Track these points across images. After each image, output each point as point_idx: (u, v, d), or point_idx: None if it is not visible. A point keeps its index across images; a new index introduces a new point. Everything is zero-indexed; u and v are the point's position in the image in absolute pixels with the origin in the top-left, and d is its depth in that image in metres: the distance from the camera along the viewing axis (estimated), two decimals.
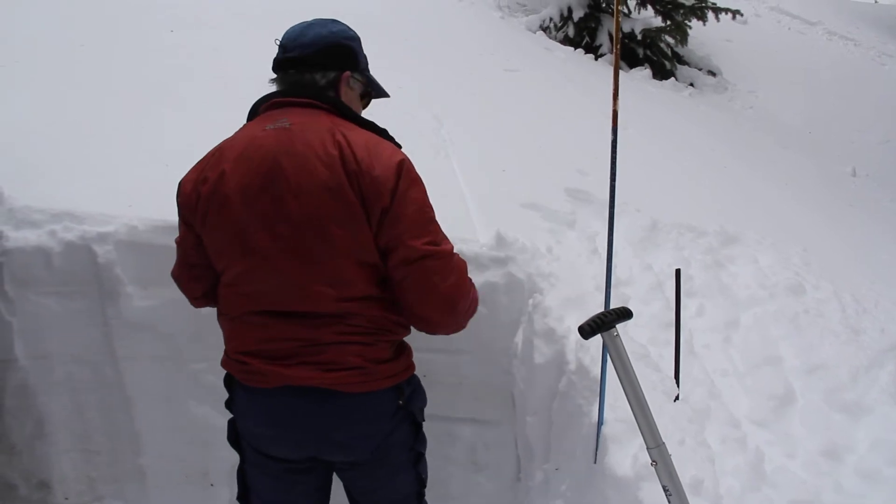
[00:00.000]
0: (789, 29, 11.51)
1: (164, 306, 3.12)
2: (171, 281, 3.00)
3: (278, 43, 2.25)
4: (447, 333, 2.34)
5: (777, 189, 5.42)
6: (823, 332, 3.42)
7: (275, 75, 2.29)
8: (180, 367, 3.19)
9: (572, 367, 2.81)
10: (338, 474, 2.48)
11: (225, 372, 2.38)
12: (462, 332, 3.05)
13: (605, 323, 2.06)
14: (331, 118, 2.16)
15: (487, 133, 4.58)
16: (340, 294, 2.12)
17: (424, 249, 2.11)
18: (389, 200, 2.06)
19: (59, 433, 3.27)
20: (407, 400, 2.33)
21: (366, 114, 2.39)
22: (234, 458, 3.31)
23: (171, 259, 2.65)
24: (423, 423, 2.45)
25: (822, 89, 8.86)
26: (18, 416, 3.21)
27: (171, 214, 3.09)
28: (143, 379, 3.23)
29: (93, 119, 3.86)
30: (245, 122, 2.32)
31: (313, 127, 2.12)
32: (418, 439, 2.44)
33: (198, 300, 2.44)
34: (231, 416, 2.42)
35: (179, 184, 2.24)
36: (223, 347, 2.83)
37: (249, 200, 2.10)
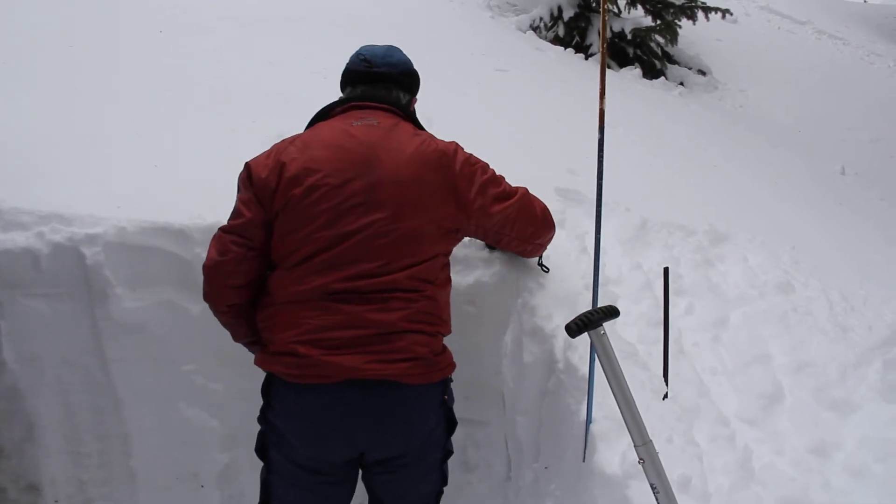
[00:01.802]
0: (779, 28, 11.55)
1: (154, 308, 3.12)
2: (161, 282, 3.01)
3: (362, 58, 2.61)
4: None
5: (767, 187, 5.43)
6: (812, 330, 3.43)
7: (346, 84, 2.66)
8: (171, 369, 3.19)
9: (561, 365, 2.82)
10: (369, 478, 2.50)
11: (263, 376, 2.43)
12: (452, 332, 3.11)
13: (591, 321, 2.07)
14: (409, 125, 2.57)
15: (478, 133, 4.54)
16: (417, 273, 2.37)
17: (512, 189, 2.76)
18: (465, 184, 2.50)
19: (48, 436, 3.26)
20: (450, 395, 2.51)
21: None
22: (225, 459, 3.34)
23: (160, 260, 2.67)
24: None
25: (811, 88, 8.89)
26: (7, 420, 3.20)
27: (161, 216, 3.12)
28: (133, 381, 3.21)
29: (82, 121, 3.85)
30: (310, 122, 2.60)
31: (400, 128, 2.49)
32: (449, 438, 2.56)
33: (235, 289, 2.46)
34: (261, 426, 2.44)
35: (248, 168, 2.43)
36: (213, 348, 2.83)
37: (342, 185, 2.33)
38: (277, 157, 2.39)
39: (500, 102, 5.31)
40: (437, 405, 2.44)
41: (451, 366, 2.51)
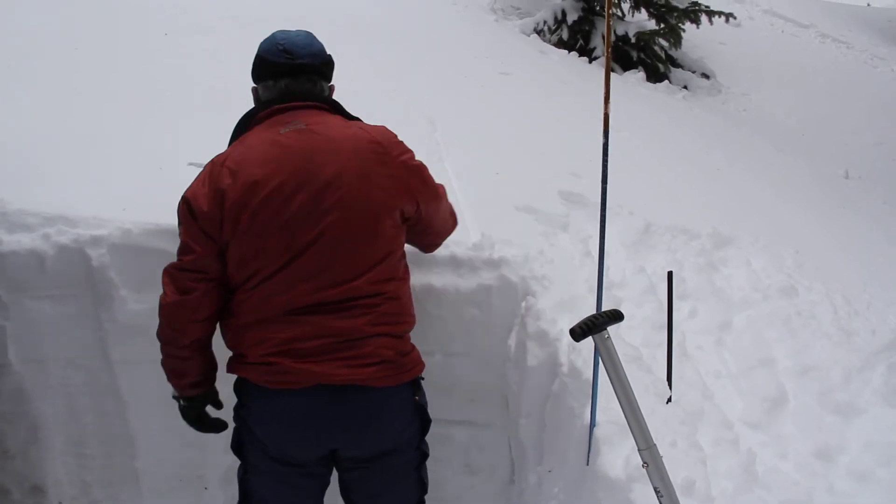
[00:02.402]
0: (782, 32, 11.56)
1: (157, 309, 3.12)
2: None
3: (281, 48, 2.44)
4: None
5: (770, 191, 5.44)
6: (816, 333, 3.44)
7: (264, 77, 2.49)
8: None
9: (565, 369, 2.82)
10: (344, 476, 2.52)
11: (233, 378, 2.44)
12: (456, 335, 3.12)
13: (596, 325, 2.07)
14: (338, 118, 2.45)
15: (481, 136, 4.59)
16: (376, 276, 2.34)
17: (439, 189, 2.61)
18: (405, 171, 2.43)
19: (53, 437, 3.26)
20: (421, 395, 2.51)
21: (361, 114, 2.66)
22: (228, 461, 3.33)
23: (165, 262, 2.65)
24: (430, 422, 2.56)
25: (815, 92, 8.89)
26: (12, 421, 3.21)
27: (165, 217, 3.12)
28: (137, 382, 3.21)
29: (87, 123, 3.86)
30: (234, 132, 2.47)
31: (331, 124, 2.38)
32: (423, 439, 2.55)
33: (201, 323, 2.43)
34: (235, 423, 2.47)
35: (187, 201, 2.33)
36: (217, 351, 2.83)
37: (287, 199, 2.25)
38: (214, 185, 2.29)
39: (502, 105, 5.32)
40: (409, 405, 2.45)
41: (420, 365, 2.51)
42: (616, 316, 2.11)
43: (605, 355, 2.07)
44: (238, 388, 2.44)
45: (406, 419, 2.46)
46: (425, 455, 2.58)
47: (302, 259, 2.27)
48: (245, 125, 2.45)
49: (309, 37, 2.53)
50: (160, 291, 3.08)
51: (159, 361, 3.18)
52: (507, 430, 3.30)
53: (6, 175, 3.23)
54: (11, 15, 4.97)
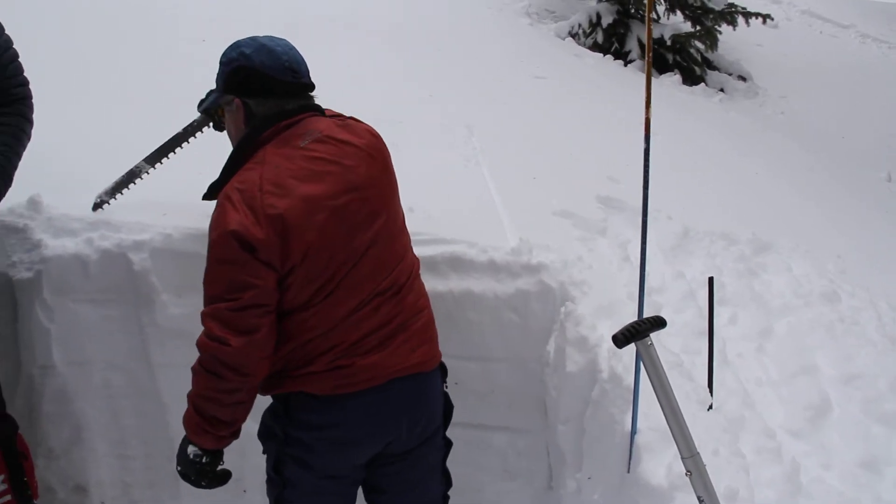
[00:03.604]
0: (821, 33, 11.38)
1: (199, 314, 3.15)
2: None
3: (286, 65, 2.29)
4: None
5: (810, 195, 5.37)
6: (860, 341, 3.38)
7: (268, 94, 2.31)
8: None
9: (605, 375, 2.80)
10: (376, 473, 2.49)
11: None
12: (494, 340, 3.12)
13: (639, 332, 2.05)
14: (327, 119, 2.36)
15: (518, 141, 4.59)
16: (408, 260, 2.42)
17: None
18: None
19: (95, 438, 3.31)
20: (446, 380, 2.55)
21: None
22: None
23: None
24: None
25: (855, 93, 8.74)
26: (56, 422, 3.25)
27: (205, 222, 3.12)
28: (177, 385, 3.20)
29: (129, 129, 3.91)
30: (238, 156, 2.32)
31: (334, 126, 2.31)
32: (447, 424, 2.57)
33: (268, 359, 2.27)
34: (272, 445, 2.41)
35: (238, 235, 2.10)
36: None
37: (343, 208, 2.21)
38: (262, 211, 2.12)
39: (538, 109, 5.31)
40: (441, 390, 2.50)
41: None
42: (659, 322, 2.10)
43: (648, 362, 2.06)
44: (284, 405, 2.35)
45: (441, 404, 2.50)
46: (450, 445, 2.60)
47: (364, 260, 2.26)
48: (249, 147, 2.30)
49: (296, 49, 2.39)
50: (201, 296, 3.12)
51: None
52: (546, 435, 3.29)
53: (51, 180, 3.27)
54: (60, 25, 5.04)
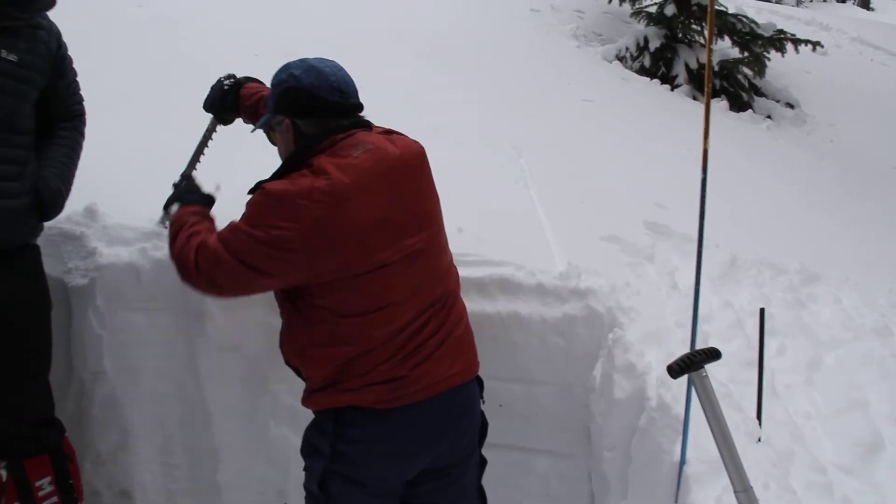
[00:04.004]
0: (871, 60, 11.23)
1: (247, 327, 3.18)
2: (255, 303, 3.05)
3: (334, 86, 2.34)
4: None
5: (859, 227, 5.29)
6: None
7: (316, 114, 2.36)
8: (261, 388, 3.24)
9: (653, 403, 2.78)
10: (417, 490, 2.48)
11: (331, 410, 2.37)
12: (540, 363, 3.11)
13: (693, 363, 2.04)
14: (374, 134, 2.38)
15: (565, 164, 4.59)
16: (455, 270, 2.50)
17: None
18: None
19: (141, 445, 3.34)
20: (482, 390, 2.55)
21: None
22: None
23: None
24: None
25: None
26: (105, 427, 3.30)
27: None
28: (224, 397, 3.27)
29: (183, 140, 3.96)
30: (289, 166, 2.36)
31: (383, 139, 2.34)
32: (482, 443, 2.57)
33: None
34: (317, 462, 2.39)
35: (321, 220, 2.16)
36: None
37: (387, 220, 2.24)
38: (306, 215, 2.18)
39: (586, 132, 5.31)
40: (479, 400, 2.51)
41: None
42: (714, 354, 2.09)
43: (703, 394, 2.04)
44: (334, 420, 2.35)
45: (479, 417, 2.50)
46: (485, 463, 2.60)
47: (417, 271, 2.30)
48: (301, 160, 2.33)
49: (345, 70, 2.44)
50: (249, 310, 3.14)
51: (245, 378, 3.27)
52: (588, 461, 3.26)
53: (106, 190, 3.33)
54: (114, 39, 5.14)
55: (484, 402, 2.54)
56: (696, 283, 2.52)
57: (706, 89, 2.44)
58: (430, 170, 2.42)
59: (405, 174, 2.30)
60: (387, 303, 2.24)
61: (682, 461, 2.52)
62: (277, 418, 3.30)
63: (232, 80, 3.04)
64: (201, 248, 2.30)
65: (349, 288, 2.22)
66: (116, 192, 3.37)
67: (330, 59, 2.44)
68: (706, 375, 2.06)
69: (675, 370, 2.03)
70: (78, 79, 2.90)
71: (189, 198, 2.66)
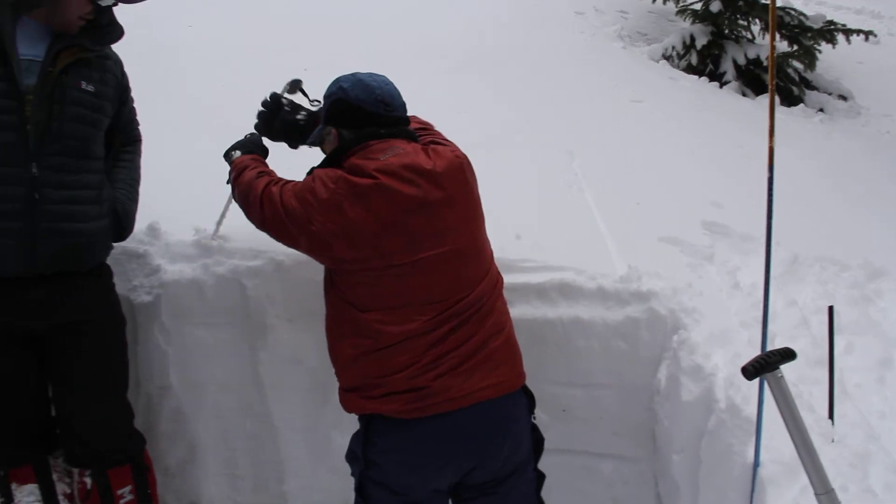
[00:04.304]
0: None
1: (310, 339, 3.20)
2: (317, 315, 3.06)
3: (379, 99, 2.47)
4: None
5: None
6: None
7: (360, 124, 2.49)
8: (324, 399, 3.26)
9: (722, 405, 2.74)
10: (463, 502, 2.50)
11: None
12: (602, 367, 3.09)
13: (768, 364, 2.01)
14: (413, 143, 2.49)
15: (618, 166, 4.55)
16: (494, 279, 2.50)
17: None
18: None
19: (208, 458, 3.39)
20: (532, 406, 2.53)
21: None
22: None
23: (317, 293, 2.75)
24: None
25: None
26: (172, 440, 3.35)
27: None
28: (288, 409, 3.31)
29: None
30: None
31: (419, 148, 2.45)
32: (538, 457, 2.54)
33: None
34: (358, 466, 2.47)
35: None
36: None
37: (401, 222, 2.32)
38: (330, 199, 2.38)
39: (637, 133, 5.25)
40: (527, 415, 2.48)
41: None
42: (789, 354, 2.05)
43: (779, 395, 2.01)
44: (365, 429, 2.45)
45: (528, 432, 2.47)
46: (542, 477, 2.57)
47: (434, 275, 2.35)
48: (336, 158, 2.48)
49: (393, 84, 2.56)
50: (311, 322, 3.17)
51: (309, 389, 3.29)
52: (654, 465, 3.23)
53: (169, 207, 3.38)
54: (171, 54, 5.23)
55: (535, 416, 2.52)
56: (766, 283, 2.48)
57: (769, 87, 2.40)
58: (472, 182, 2.48)
59: (433, 182, 2.36)
60: (402, 303, 2.33)
61: (756, 463, 2.48)
62: (340, 429, 3.31)
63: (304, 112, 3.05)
64: (268, 187, 2.50)
65: (366, 282, 2.36)
66: (177, 210, 3.42)
67: (380, 73, 2.55)
68: (782, 376, 2.02)
69: (750, 372, 2.00)
70: (134, 104, 3.00)
71: (249, 147, 2.85)
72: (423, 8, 6.95)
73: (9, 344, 2.61)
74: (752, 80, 7.78)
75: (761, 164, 4.83)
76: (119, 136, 2.91)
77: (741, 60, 7.77)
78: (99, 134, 2.72)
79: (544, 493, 2.63)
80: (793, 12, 7.94)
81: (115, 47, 2.80)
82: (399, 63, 5.60)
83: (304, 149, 3.00)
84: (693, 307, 3.14)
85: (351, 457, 2.50)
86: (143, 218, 3.10)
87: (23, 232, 2.50)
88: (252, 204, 2.53)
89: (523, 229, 3.24)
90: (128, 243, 3.21)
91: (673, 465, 2.97)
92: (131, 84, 2.93)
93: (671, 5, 8.44)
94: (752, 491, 2.49)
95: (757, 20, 8.09)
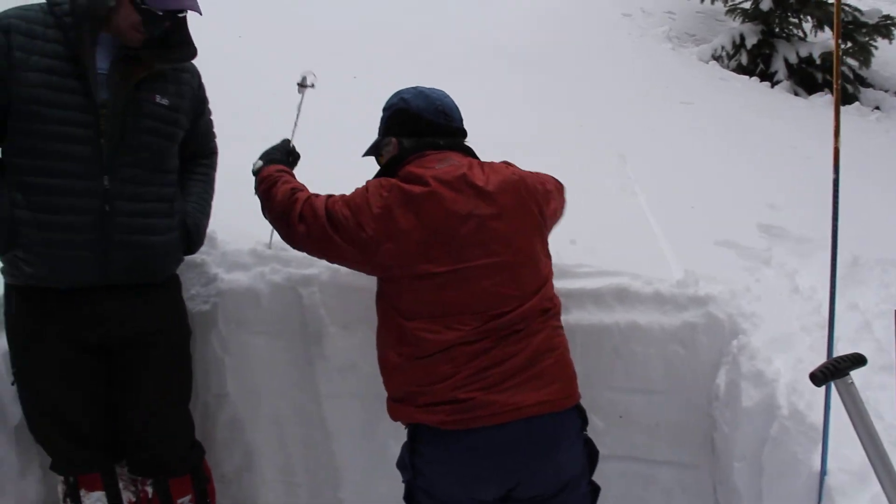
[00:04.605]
0: None
1: (365, 346, 3.19)
2: (371, 321, 3.07)
3: (440, 109, 2.59)
4: None
5: None
6: None
7: (421, 133, 2.58)
8: (380, 406, 3.19)
9: (785, 412, 2.68)
10: None
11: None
12: (660, 373, 3.05)
13: (838, 370, 1.96)
14: (470, 158, 2.57)
15: (671, 168, 4.51)
16: (549, 299, 2.47)
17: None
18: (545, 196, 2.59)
19: (264, 465, 3.41)
20: (585, 423, 2.49)
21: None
22: None
23: (371, 300, 2.76)
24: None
25: None
26: (229, 448, 3.39)
27: None
28: (343, 416, 3.32)
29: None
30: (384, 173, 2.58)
31: (475, 162, 2.52)
32: (593, 470, 2.51)
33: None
34: (407, 474, 2.49)
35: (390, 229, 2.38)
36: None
37: (445, 230, 2.36)
38: (376, 205, 2.44)
39: (688, 135, 5.21)
40: (577, 432, 2.44)
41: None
42: (859, 360, 1.99)
43: (850, 402, 1.96)
44: (411, 437, 2.47)
45: (579, 447, 2.44)
46: (597, 490, 2.54)
47: (476, 288, 2.35)
48: (392, 167, 2.56)
49: (451, 98, 2.68)
50: (366, 329, 3.18)
51: (364, 396, 3.30)
52: (712, 471, 3.18)
53: (225, 217, 3.40)
54: (223, 65, 5.29)
55: (587, 434, 2.50)
56: (832, 287, 2.43)
57: (835, 87, 2.34)
58: (529, 199, 2.49)
59: (484, 195, 2.40)
60: (444, 312, 2.35)
61: (823, 472, 2.42)
62: (396, 436, 3.29)
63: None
64: (308, 202, 2.53)
65: (411, 290, 2.38)
66: (233, 219, 3.46)
67: (439, 89, 2.66)
68: (852, 382, 1.97)
69: (819, 378, 1.95)
70: (212, 116, 3.05)
71: (275, 155, 2.85)
72: (474, 14, 6.97)
73: (82, 352, 2.67)
74: (804, 78, 7.67)
75: (816, 165, 4.79)
76: (194, 148, 2.95)
77: (793, 59, 7.66)
78: (173, 147, 2.77)
79: (601, 502, 2.60)
80: (847, 8, 7.80)
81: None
82: (450, 66, 5.64)
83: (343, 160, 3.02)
84: (752, 311, 3.08)
85: (401, 464, 2.52)
86: None
87: (96, 243, 2.56)
88: (289, 220, 2.55)
89: (577, 234, 3.22)
90: None
91: (734, 472, 2.91)
92: None
93: (720, 5, 8.36)
94: (819, 500, 2.43)
95: (809, 17, 7.96)
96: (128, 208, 2.60)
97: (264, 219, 2.75)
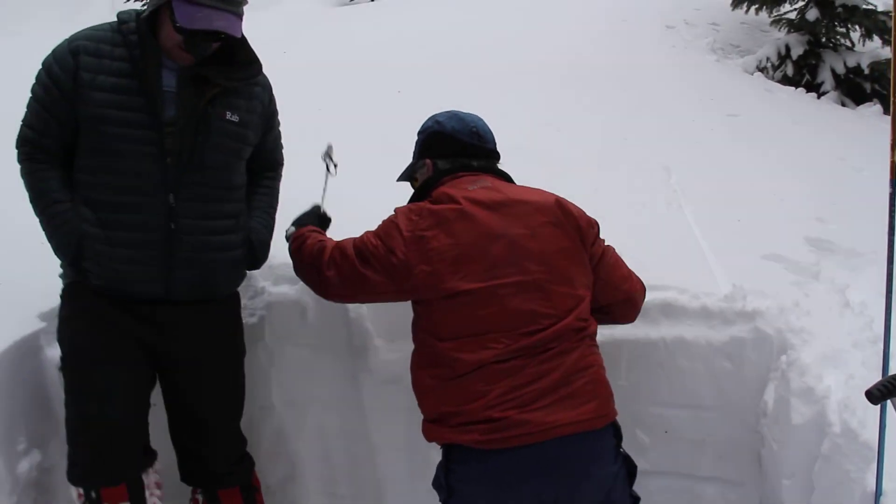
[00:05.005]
0: None
1: (408, 361, 3.22)
2: None
3: (473, 130, 2.68)
4: None
5: None
6: None
7: (455, 154, 2.67)
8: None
9: (836, 429, 2.63)
10: None
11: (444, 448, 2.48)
12: (706, 388, 3.02)
13: None
14: (504, 181, 2.65)
15: (717, 181, 4.45)
16: (579, 314, 2.44)
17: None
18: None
19: (308, 477, 3.45)
20: (620, 439, 2.47)
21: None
22: None
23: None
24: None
25: None
26: (274, 460, 3.42)
27: None
28: (387, 429, 3.33)
29: (338, 178, 4.08)
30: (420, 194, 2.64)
31: (511, 186, 2.60)
32: (633, 487, 2.48)
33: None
34: (442, 494, 2.47)
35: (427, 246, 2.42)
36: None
37: (478, 248, 2.40)
38: (411, 231, 2.48)
39: (734, 148, 5.13)
40: (613, 451, 2.41)
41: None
42: None
43: None
44: (445, 457, 2.46)
45: (617, 464, 2.41)
46: (637, 500, 2.52)
47: (508, 306, 2.36)
48: (427, 189, 2.61)
49: (485, 122, 2.75)
50: (411, 343, 3.18)
51: (408, 409, 3.30)
52: (761, 489, 3.13)
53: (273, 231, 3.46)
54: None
55: (623, 450, 2.47)
56: (888, 302, 2.38)
57: (892, 99, 2.30)
58: (565, 220, 2.50)
59: (517, 218, 2.44)
60: (476, 331, 2.35)
61: (878, 492, 2.37)
62: (439, 451, 3.30)
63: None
64: (336, 247, 2.60)
65: (443, 310, 2.41)
66: (279, 233, 3.50)
67: (473, 113, 2.74)
68: None
69: (875, 396, 1.91)
70: (280, 128, 3.06)
71: (305, 220, 2.89)
72: (521, 35, 7.00)
73: (136, 350, 2.67)
74: (851, 89, 7.52)
75: (865, 178, 4.72)
76: (261, 162, 2.96)
77: (840, 69, 7.52)
78: (240, 163, 2.79)
79: None
80: None
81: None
82: (496, 83, 5.66)
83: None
84: (801, 327, 3.04)
85: (436, 484, 2.51)
86: None
87: (161, 260, 2.59)
88: (319, 268, 2.61)
89: (623, 247, 3.18)
90: None
91: (783, 490, 2.86)
92: None
93: (764, 16, 8.25)
94: None
95: (857, 26, 7.82)
96: (193, 226, 2.62)
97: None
